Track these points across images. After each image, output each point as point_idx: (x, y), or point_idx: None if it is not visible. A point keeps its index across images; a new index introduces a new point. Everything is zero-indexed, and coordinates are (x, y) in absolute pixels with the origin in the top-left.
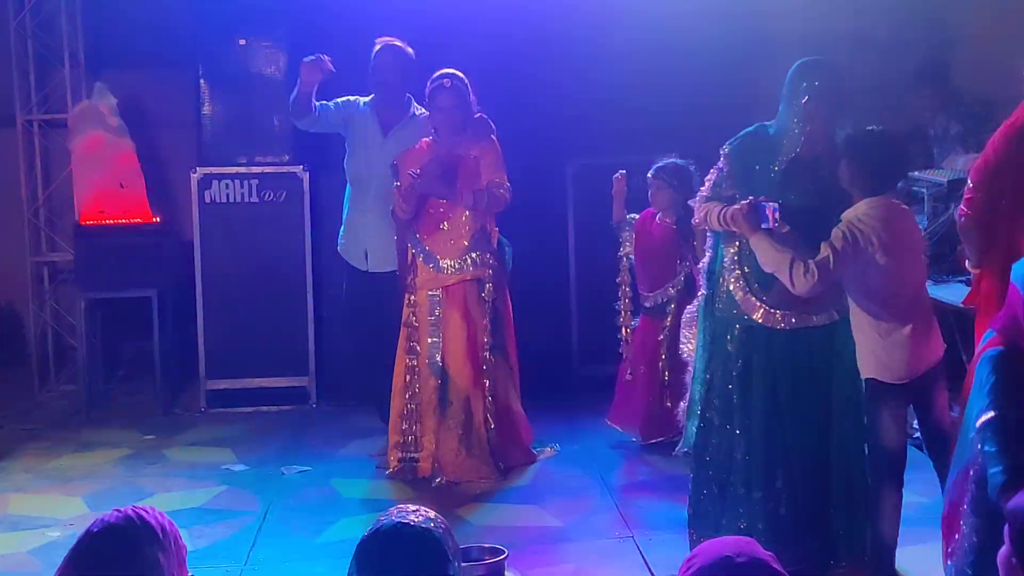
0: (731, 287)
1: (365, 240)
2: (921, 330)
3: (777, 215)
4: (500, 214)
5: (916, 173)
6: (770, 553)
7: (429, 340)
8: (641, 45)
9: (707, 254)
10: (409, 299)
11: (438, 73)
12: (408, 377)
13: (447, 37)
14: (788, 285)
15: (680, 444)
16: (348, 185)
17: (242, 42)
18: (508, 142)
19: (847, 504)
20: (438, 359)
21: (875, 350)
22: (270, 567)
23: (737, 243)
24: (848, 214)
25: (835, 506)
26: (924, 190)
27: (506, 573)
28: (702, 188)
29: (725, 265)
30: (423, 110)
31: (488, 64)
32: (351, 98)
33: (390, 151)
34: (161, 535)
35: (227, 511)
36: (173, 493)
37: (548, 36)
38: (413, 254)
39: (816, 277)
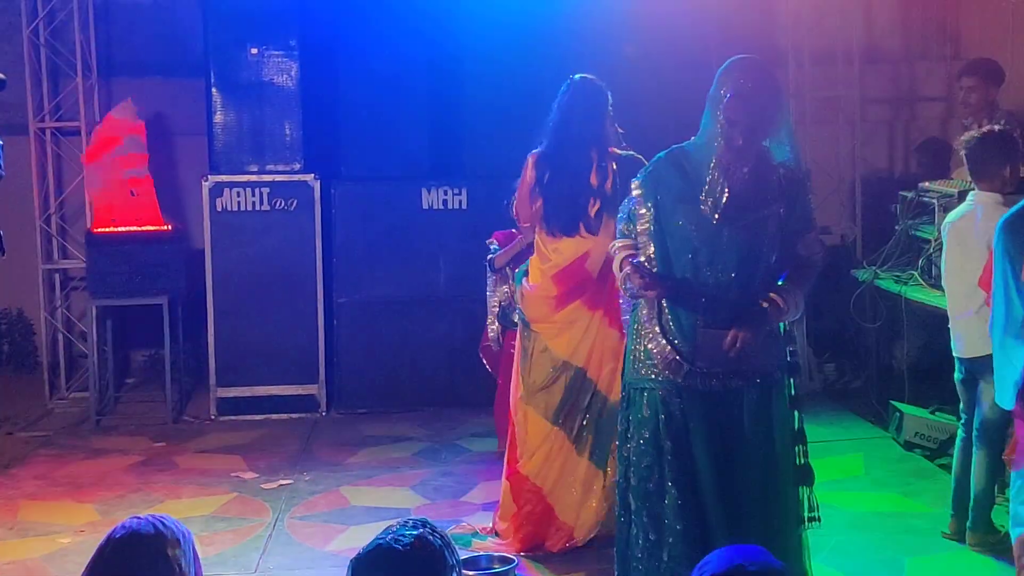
0: (648, 345)
1: None
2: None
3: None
4: None
5: (927, 184)
6: (781, 563)
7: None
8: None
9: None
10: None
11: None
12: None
13: (461, 46)
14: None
15: None
16: None
17: (254, 51)
18: None
19: None
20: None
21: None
22: (280, 575)
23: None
24: None
25: None
26: (935, 200)
27: None
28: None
29: (642, 318)
30: None
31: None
32: None
33: None
34: (182, 543)
35: (237, 518)
36: (183, 500)
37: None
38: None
39: None
